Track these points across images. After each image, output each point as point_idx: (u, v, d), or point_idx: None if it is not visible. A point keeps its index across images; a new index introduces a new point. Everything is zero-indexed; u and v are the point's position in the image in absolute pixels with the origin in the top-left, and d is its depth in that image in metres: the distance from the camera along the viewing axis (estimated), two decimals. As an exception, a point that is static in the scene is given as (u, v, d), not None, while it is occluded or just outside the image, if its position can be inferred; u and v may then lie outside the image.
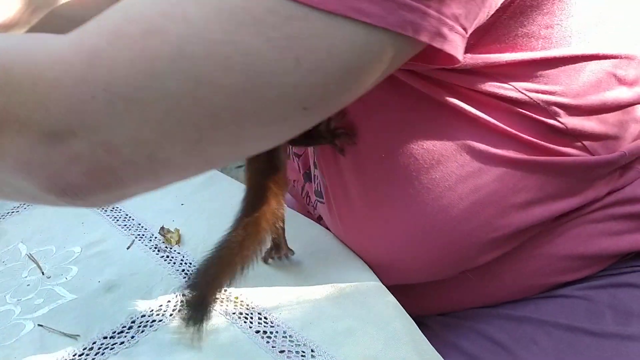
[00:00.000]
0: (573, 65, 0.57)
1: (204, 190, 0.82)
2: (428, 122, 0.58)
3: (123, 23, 0.41)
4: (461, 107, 0.57)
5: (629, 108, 0.62)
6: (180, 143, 0.43)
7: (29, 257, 0.73)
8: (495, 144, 0.58)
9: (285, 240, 0.65)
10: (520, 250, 0.65)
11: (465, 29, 0.45)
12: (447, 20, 0.43)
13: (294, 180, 0.81)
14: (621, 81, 0.60)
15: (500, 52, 0.54)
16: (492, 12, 0.49)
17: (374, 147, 0.61)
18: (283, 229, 0.64)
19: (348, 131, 0.61)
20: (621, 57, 0.60)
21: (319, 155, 0.67)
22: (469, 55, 0.53)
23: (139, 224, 0.76)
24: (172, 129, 0.42)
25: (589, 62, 0.58)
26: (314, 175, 0.73)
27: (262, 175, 0.59)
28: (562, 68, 0.57)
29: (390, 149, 0.60)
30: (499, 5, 0.49)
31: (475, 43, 0.53)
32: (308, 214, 0.79)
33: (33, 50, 0.42)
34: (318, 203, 0.74)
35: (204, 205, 0.79)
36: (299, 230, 0.71)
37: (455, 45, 0.45)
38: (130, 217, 0.78)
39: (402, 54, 0.45)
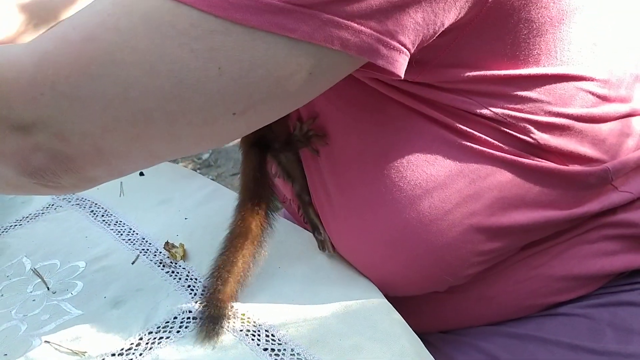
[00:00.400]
0: (542, 84, 0.57)
1: (207, 204, 0.82)
2: (396, 122, 0.59)
3: (69, 30, 0.48)
4: (429, 113, 0.58)
5: (611, 125, 0.62)
6: (120, 137, 0.49)
7: (33, 271, 0.73)
8: (465, 141, 0.58)
9: (321, 221, 0.68)
10: (518, 272, 0.66)
11: (404, 45, 0.48)
12: (380, 36, 0.46)
13: (290, 199, 0.82)
14: (600, 98, 0.61)
15: (463, 69, 0.55)
16: (440, 31, 0.50)
17: (346, 148, 0.62)
18: (317, 214, 0.69)
19: (319, 132, 0.64)
20: (596, 80, 0.60)
21: (303, 162, 0.68)
22: (428, 71, 0.55)
23: (143, 239, 0.76)
24: (110, 124, 0.48)
25: (559, 82, 0.58)
26: None
27: (253, 182, 0.68)
28: (530, 86, 0.57)
29: (361, 149, 0.61)
30: (446, 25, 0.50)
31: (433, 60, 0.54)
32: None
33: None
34: None
35: (208, 219, 0.79)
36: (302, 245, 0.71)
37: (392, 61, 0.47)
38: (134, 231, 0.78)
39: (337, 66, 0.49)
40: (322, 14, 0.45)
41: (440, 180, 0.59)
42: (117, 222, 0.80)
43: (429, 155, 0.59)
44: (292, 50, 0.46)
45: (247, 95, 0.48)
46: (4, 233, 0.81)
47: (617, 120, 0.63)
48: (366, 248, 0.64)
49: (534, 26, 0.55)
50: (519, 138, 0.59)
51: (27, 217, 0.84)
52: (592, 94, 0.60)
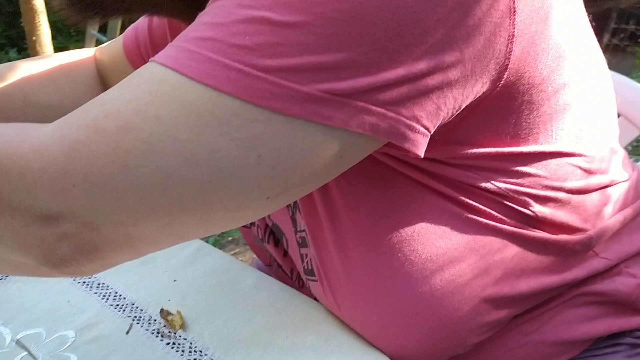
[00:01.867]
0: (540, 160, 0.61)
1: (194, 265, 0.79)
2: (404, 195, 0.61)
3: (100, 117, 0.46)
4: (436, 186, 0.60)
5: (594, 195, 0.67)
6: (153, 224, 0.48)
7: (16, 343, 0.67)
8: (470, 214, 0.61)
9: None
10: (511, 339, 0.69)
11: (427, 128, 0.50)
12: (407, 121, 0.48)
13: (277, 263, 0.81)
14: (586, 172, 0.65)
15: (469, 146, 0.58)
16: (456, 113, 0.53)
17: (356, 221, 0.63)
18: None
19: None
20: (584, 155, 0.65)
21: (308, 230, 0.68)
22: (436, 147, 0.57)
23: (133, 304, 0.73)
24: (144, 213, 0.47)
25: (554, 158, 0.62)
26: (302, 254, 0.73)
27: None
28: (530, 162, 0.61)
29: (371, 222, 0.62)
30: (463, 107, 0.53)
31: (441, 137, 0.56)
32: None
33: (17, 142, 0.47)
34: (310, 282, 0.74)
35: (198, 282, 0.77)
36: (306, 313, 0.71)
37: (416, 143, 0.50)
38: (120, 295, 0.74)
39: (364, 148, 0.51)
40: (357, 102, 0.46)
41: (451, 255, 0.61)
42: (99, 284, 0.76)
43: (437, 228, 0.61)
44: (328, 137, 0.47)
45: (282, 181, 0.48)
46: (-29, 296, 0.75)
47: (599, 191, 0.68)
48: (378, 321, 0.64)
49: (534, 107, 0.58)
50: (520, 211, 0.62)
51: (-5, 277, 0.78)
52: (581, 168, 0.65)
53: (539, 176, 0.61)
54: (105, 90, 0.92)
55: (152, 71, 0.48)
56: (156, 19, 0.86)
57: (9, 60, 0.85)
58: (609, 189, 0.70)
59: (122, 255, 0.51)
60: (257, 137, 0.45)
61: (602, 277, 0.70)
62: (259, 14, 0.46)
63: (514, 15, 0.51)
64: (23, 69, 0.85)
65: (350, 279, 0.64)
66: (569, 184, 0.63)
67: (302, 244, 0.70)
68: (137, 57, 0.87)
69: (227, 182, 0.46)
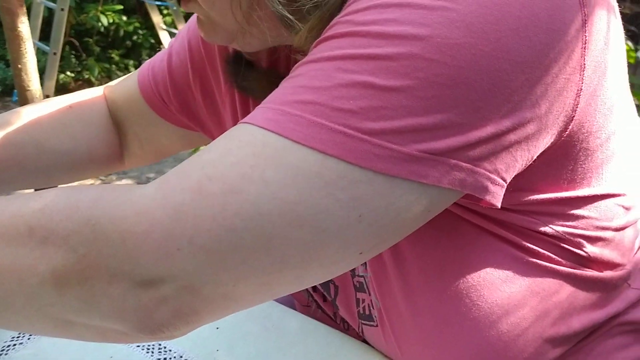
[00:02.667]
0: (592, 202, 0.63)
1: (233, 309, 0.77)
2: (469, 242, 0.62)
3: (204, 181, 0.46)
4: (499, 232, 0.61)
5: (629, 230, 0.69)
6: (251, 285, 0.48)
7: (66, 407, 0.64)
8: (531, 257, 0.62)
9: None
10: None
11: (504, 180, 0.53)
12: (490, 175, 0.51)
13: (319, 306, 0.80)
14: (626, 209, 0.68)
15: (530, 192, 0.60)
16: (528, 164, 0.55)
17: (424, 268, 0.63)
18: None
19: None
20: (625, 195, 0.67)
21: (373, 277, 0.68)
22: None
23: (181, 357, 0.70)
24: (245, 273, 0.47)
25: (604, 200, 0.64)
26: (358, 299, 0.73)
27: None
28: (583, 205, 0.63)
29: (439, 269, 0.63)
30: (534, 157, 0.55)
31: (507, 185, 0.58)
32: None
33: (116, 204, 0.46)
34: (365, 327, 0.73)
35: (242, 328, 0.75)
36: (361, 359, 0.70)
37: (495, 195, 0.52)
38: (164, 347, 0.72)
39: (448, 201, 0.53)
40: (450, 159, 0.48)
41: (515, 299, 0.62)
42: (139, 335, 0.73)
43: (501, 273, 0.62)
44: (421, 194, 0.48)
45: (377, 237, 0.49)
46: (3, 355, 0.70)
47: (632, 226, 0.70)
48: None
49: (589, 153, 0.61)
50: (574, 252, 0.64)
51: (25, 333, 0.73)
52: (623, 207, 0.67)
53: (591, 218, 0.63)
54: (118, 130, 0.89)
55: (252, 134, 0.47)
56: (175, 59, 0.83)
57: None
58: (638, 223, 0.72)
59: (214, 316, 0.50)
60: (360, 197, 0.46)
61: (633, 306, 0.73)
62: (362, 79, 0.47)
63: (583, 71, 0.53)
64: (31, 114, 0.81)
65: (416, 325, 0.64)
66: (615, 223, 0.66)
67: (360, 288, 0.69)
68: (154, 97, 0.84)
69: (329, 241, 0.47)
